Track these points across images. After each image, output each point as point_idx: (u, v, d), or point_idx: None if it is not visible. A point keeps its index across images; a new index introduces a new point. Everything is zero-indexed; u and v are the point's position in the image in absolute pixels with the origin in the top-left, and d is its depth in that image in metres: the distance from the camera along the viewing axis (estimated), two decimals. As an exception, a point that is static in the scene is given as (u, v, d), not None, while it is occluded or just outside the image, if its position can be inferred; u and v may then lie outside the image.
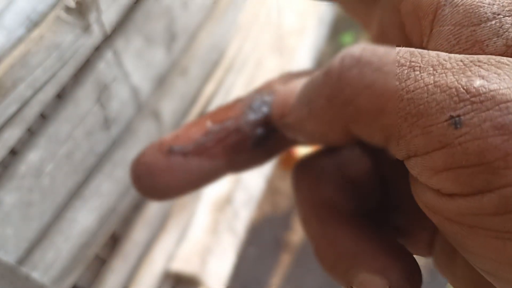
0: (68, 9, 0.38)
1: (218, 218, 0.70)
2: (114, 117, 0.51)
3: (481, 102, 0.10)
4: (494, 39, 0.12)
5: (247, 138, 0.16)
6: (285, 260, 0.87)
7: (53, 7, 0.38)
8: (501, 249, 0.11)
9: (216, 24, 0.68)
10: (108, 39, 0.45)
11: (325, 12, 1.06)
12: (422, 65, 0.11)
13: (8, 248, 0.41)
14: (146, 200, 0.62)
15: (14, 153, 0.40)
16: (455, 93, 0.11)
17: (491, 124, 0.10)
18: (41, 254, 0.45)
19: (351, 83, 0.12)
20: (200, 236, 0.67)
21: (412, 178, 0.13)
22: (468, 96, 0.11)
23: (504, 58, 0.11)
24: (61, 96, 0.43)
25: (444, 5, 0.13)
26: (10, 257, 0.42)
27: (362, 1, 0.17)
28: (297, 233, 0.89)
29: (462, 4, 0.12)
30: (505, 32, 0.12)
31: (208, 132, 0.16)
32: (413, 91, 0.11)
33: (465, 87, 0.11)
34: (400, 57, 0.12)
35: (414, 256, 0.15)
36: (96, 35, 0.42)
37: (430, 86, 0.11)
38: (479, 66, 0.11)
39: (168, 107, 0.61)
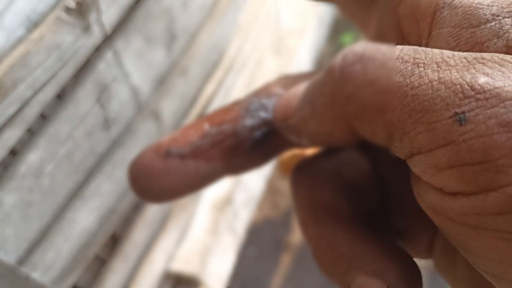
0: (68, 10, 0.38)
1: (218, 218, 0.70)
2: (114, 117, 0.51)
3: (486, 99, 0.10)
4: (494, 40, 0.12)
5: (244, 141, 0.16)
6: (285, 261, 0.87)
7: (53, 7, 0.38)
8: (505, 250, 0.11)
9: (216, 25, 0.68)
10: (108, 39, 0.45)
11: (325, 13, 1.06)
12: (426, 62, 0.11)
13: (8, 248, 0.41)
14: (145, 202, 0.62)
15: (14, 153, 0.40)
16: (460, 90, 0.11)
17: (496, 121, 0.10)
18: (41, 255, 0.45)
19: (354, 79, 0.12)
20: (200, 237, 0.67)
21: (414, 178, 0.13)
22: (473, 93, 0.11)
23: (507, 56, 0.11)
24: (61, 96, 0.43)
25: (443, 7, 0.13)
26: (10, 257, 0.42)
27: (360, 3, 0.17)
28: (297, 234, 0.89)
29: (461, 6, 0.12)
30: (505, 33, 0.12)
31: (205, 135, 0.16)
32: (417, 87, 0.11)
33: (469, 84, 0.11)
34: (403, 54, 0.12)
35: (415, 258, 0.15)
36: (96, 36, 0.42)
37: (434, 82, 0.11)
38: (483, 63, 0.11)
39: (168, 107, 0.61)
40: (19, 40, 0.35)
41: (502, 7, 0.12)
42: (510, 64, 0.11)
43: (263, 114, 0.16)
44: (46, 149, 0.42)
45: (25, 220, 0.43)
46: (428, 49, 0.12)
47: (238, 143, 0.16)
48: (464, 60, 0.11)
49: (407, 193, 0.16)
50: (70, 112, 0.44)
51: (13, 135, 0.38)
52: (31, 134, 0.41)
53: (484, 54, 0.11)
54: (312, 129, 0.14)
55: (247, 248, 0.81)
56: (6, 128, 0.37)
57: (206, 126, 0.16)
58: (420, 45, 0.14)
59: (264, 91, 0.17)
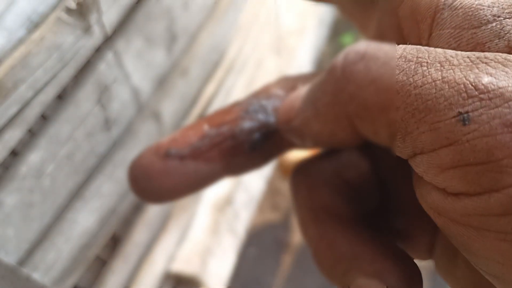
0: (68, 10, 0.38)
1: (219, 219, 0.70)
2: (115, 118, 0.51)
3: (490, 99, 0.10)
4: (495, 41, 0.12)
5: (243, 142, 0.16)
6: (285, 261, 0.87)
7: (53, 8, 0.38)
8: (508, 251, 0.11)
9: (216, 25, 0.68)
10: (108, 40, 0.45)
11: (325, 13, 1.06)
12: (429, 61, 0.11)
13: (8, 249, 0.41)
14: (145, 203, 0.62)
15: (15, 154, 0.40)
16: (464, 89, 0.11)
17: (500, 121, 0.10)
18: (41, 255, 0.45)
19: (356, 78, 0.12)
20: (200, 237, 0.67)
21: (416, 179, 0.13)
22: (476, 92, 0.10)
23: (511, 56, 0.11)
24: (62, 97, 0.43)
25: (443, 8, 0.13)
26: (11, 258, 0.42)
27: (360, 4, 0.17)
28: (297, 234, 0.89)
29: (461, 7, 0.12)
30: (506, 33, 0.12)
31: (204, 136, 0.16)
32: (420, 86, 0.11)
33: (473, 84, 0.11)
34: (406, 52, 0.12)
35: (415, 259, 0.15)
36: (96, 36, 0.42)
37: (438, 81, 0.11)
38: (486, 63, 0.11)
39: (169, 108, 0.61)
40: (20, 41, 0.36)
41: (502, 8, 0.12)
42: None
43: (262, 116, 0.16)
44: (47, 149, 0.42)
45: (26, 220, 0.43)
46: (431, 48, 0.12)
47: (237, 145, 0.16)
48: (467, 60, 0.11)
49: (407, 193, 0.16)
50: (71, 113, 0.44)
51: (13, 135, 0.38)
52: (32, 134, 0.41)
53: (487, 54, 0.11)
54: (315, 130, 0.14)
55: (247, 248, 0.81)
56: (7, 128, 0.37)
57: (206, 127, 0.16)
58: None
59: (263, 93, 0.17)
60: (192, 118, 0.67)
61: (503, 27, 0.12)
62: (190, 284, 0.65)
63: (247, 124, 0.16)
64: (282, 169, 0.89)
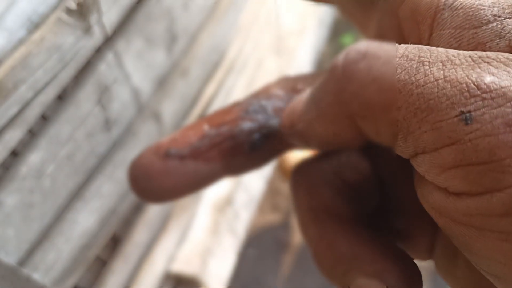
0: (69, 11, 0.38)
1: (219, 219, 0.70)
2: (115, 118, 0.51)
3: (492, 98, 0.10)
4: (496, 41, 0.12)
5: (243, 143, 0.16)
6: (285, 261, 0.87)
7: (54, 8, 0.38)
8: (510, 252, 0.11)
9: (216, 25, 0.68)
10: (109, 40, 0.45)
11: (325, 14, 1.06)
12: (431, 60, 0.11)
13: (9, 249, 0.41)
14: (145, 202, 0.62)
15: (15, 154, 0.40)
16: (466, 89, 0.11)
17: (502, 121, 0.10)
18: (42, 255, 0.45)
19: (358, 77, 0.12)
20: (200, 237, 0.67)
21: (418, 178, 0.13)
22: (479, 92, 0.10)
23: None
24: (62, 97, 0.43)
25: (443, 9, 0.13)
26: (11, 258, 0.42)
27: (360, 4, 0.17)
28: (297, 235, 0.89)
29: (462, 8, 0.12)
30: (507, 33, 0.12)
31: (204, 136, 0.16)
32: (423, 85, 0.11)
33: (475, 83, 0.11)
34: (408, 52, 0.12)
35: (416, 259, 0.15)
36: (97, 37, 0.42)
37: (440, 81, 0.11)
38: (488, 63, 0.11)
39: (169, 108, 0.61)
40: (20, 41, 0.36)
41: (503, 8, 0.12)
42: None
43: (262, 116, 0.16)
44: (47, 150, 0.42)
45: (26, 221, 0.43)
46: (433, 47, 0.12)
47: (237, 145, 0.16)
48: (469, 59, 0.11)
49: (408, 193, 0.16)
50: (71, 113, 0.44)
51: (14, 136, 0.38)
52: (32, 135, 0.41)
53: (489, 53, 0.11)
54: (319, 131, 0.14)
55: (247, 249, 0.81)
56: (7, 129, 0.37)
57: (206, 127, 0.16)
58: None
59: (263, 93, 0.17)
60: (192, 118, 0.67)
61: (504, 27, 0.12)
62: (190, 284, 0.65)
63: (247, 124, 0.16)
64: (282, 170, 0.90)
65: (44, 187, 0.43)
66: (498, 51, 0.12)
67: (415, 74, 0.11)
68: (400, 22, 0.14)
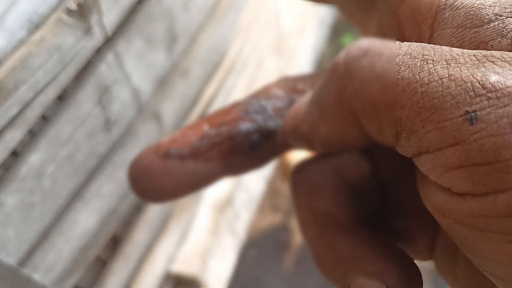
0: (69, 11, 0.38)
1: (219, 219, 0.70)
2: (115, 118, 0.51)
3: (498, 98, 0.10)
4: (498, 40, 0.12)
5: (243, 143, 0.16)
6: (285, 261, 0.87)
7: (54, 9, 0.38)
8: None
9: (216, 26, 0.68)
10: (109, 41, 0.45)
11: (325, 14, 1.06)
12: (435, 59, 0.11)
13: (9, 249, 0.41)
14: (145, 202, 0.62)
15: (16, 154, 0.40)
16: (471, 88, 0.10)
17: (508, 120, 0.10)
18: (42, 256, 0.45)
19: (360, 74, 0.12)
20: (200, 238, 0.67)
21: (421, 179, 0.13)
22: (484, 91, 0.10)
23: None
24: (62, 98, 0.43)
25: (444, 8, 0.13)
26: (11, 259, 0.42)
27: (360, 4, 0.17)
28: (297, 235, 0.89)
29: (463, 7, 0.12)
30: (509, 32, 0.11)
31: (204, 136, 0.16)
32: (427, 84, 0.11)
33: (480, 82, 0.10)
34: (412, 50, 0.12)
35: (416, 260, 0.15)
36: (97, 37, 0.42)
37: (444, 79, 0.11)
38: (492, 62, 0.11)
39: (169, 109, 0.61)
40: (20, 42, 0.36)
41: (504, 7, 0.12)
42: None
43: (262, 116, 0.16)
44: (47, 150, 0.42)
45: (26, 221, 0.43)
46: (437, 46, 0.12)
47: (237, 145, 0.16)
48: (474, 58, 0.11)
49: (408, 194, 0.16)
50: (71, 114, 0.44)
51: (14, 136, 0.38)
52: (32, 135, 0.41)
53: (494, 52, 0.11)
54: (323, 132, 0.14)
55: (247, 249, 0.81)
56: (7, 129, 0.37)
57: (206, 127, 0.16)
58: None
59: (263, 93, 0.17)
60: (193, 118, 0.67)
61: (505, 26, 0.12)
62: (190, 285, 0.65)
63: (246, 125, 0.16)
64: (282, 170, 0.89)
65: (44, 187, 0.43)
66: (500, 49, 0.11)
67: (419, 72, 0.11)
68: (401, 22, 0.14)
